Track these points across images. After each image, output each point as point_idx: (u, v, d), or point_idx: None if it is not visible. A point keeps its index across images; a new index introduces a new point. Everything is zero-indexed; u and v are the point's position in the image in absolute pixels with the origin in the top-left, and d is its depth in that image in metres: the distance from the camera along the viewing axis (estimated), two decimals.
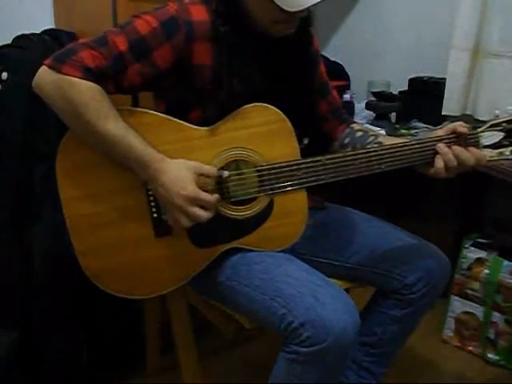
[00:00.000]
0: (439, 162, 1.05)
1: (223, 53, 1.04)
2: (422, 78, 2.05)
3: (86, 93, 0.95)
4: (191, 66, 1.04)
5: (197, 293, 1.21)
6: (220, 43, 1.04)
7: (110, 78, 0.99)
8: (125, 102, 1.12)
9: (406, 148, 1.07)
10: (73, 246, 1.05)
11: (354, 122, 1.32)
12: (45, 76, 0.97)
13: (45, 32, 1.41)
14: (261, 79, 1.07)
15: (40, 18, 1.58)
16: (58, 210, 1.28)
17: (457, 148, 1.05)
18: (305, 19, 1.08)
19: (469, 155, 1.04)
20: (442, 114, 1.93)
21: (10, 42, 1.38)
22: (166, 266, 1.08)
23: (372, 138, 1.21)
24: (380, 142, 1.17)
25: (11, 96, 1.30)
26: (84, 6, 1.52)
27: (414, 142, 1.08)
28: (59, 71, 0.95)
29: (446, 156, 1.04)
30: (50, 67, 0.96)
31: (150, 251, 1.06)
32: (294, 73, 1.15)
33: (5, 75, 1.30)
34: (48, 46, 1.34)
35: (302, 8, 0.96)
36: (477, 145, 1.07)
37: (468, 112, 1.94)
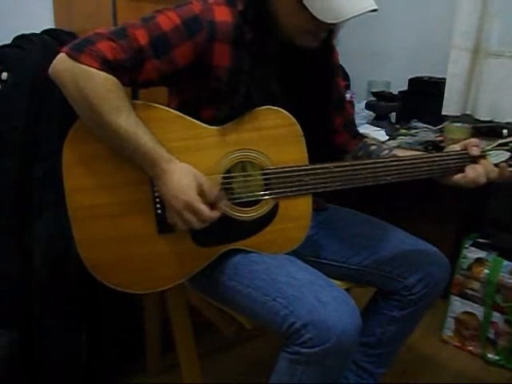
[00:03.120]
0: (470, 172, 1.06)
1: (245, 58, 1.03)
2: (422, 78, 2.05)
3: (102, 84, 0.95)
4: (210, 66, 1.03)
5: (197, 292, 1.21)
6: (242, 48, 1.03)
7: (126, 71, 0.98)
8: None
9: (414, 162, 1.08)
10: (74, 236, 1.04)
11: (366, 137, 1.31)
12: (62, 63, 0.96)
13: (45, 32, 1.41)
14: (279, 89, 1.07)
15: (40, 18, 1.57)
16: (58, 210, 1.29)
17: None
18: (328, 31, 1.08)
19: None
20: (442, 113, 1.93)
21: (10, 41, 1.38)
22: (167, 262, 1.07)
23: (387, 151, 1.21)
24: (395, 155, 1.18)
25: (11, 96, 1.30)
26: (84, 5, 1.52)
27: (423, 157, 1.09)
28: (77, 60, 0.94)
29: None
30: (68, 55, 0.95)
31: (152, 247, 1.06)
32: (312, 84, 1.14)
33: (5, 75, 1.30)
34: (48, 46, 1.34)
35: (338, 21, 0.95)
36: None
37: (468, 112, 1.95)
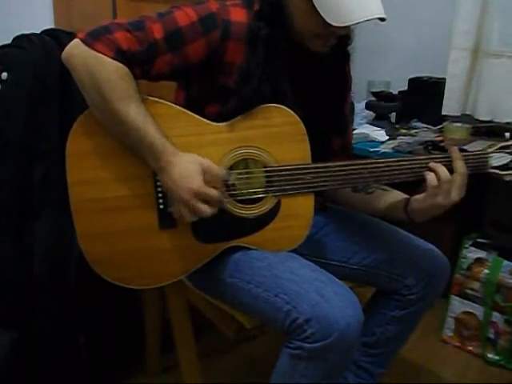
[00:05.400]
0: (429, 174, 1.05)
1: (259, 55, 1.03)
2: (421, 78, 2.05)
3: (114, 72, 0.95)
4: (222, 62, 1.04)
5: (197, 289, 1.21)
6: (256, 45, 1.03)
7: (139, 62, 0.98)
8: None
9: (413, 161, 1.08)
10: (75, 229, 1.05)
11: None
12: (76, 49, 0.97)
13: (45, 32, 1.41)
14: (288, 87, 1.07)
15: (40, 18, 1.57)
16: (58, 210, 1.29)
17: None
18: (343, 38, 1.08)
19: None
20: (442, 113, 1.93)
21: (9, 41, 1.38)
22: (167, 258, 1.08)
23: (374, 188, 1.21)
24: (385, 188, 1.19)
25: (11, 96, 1.30)
26: (84, 5, 1.52)
27: (422, 157, 1.09)
28: (92, 47, 0.95)
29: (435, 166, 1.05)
30: (83, 41, 0.96)
31: (153, 242, 1.06)
32: (321, 88, 1.14)
33: (5, 75, 1.30)
34: (48, 46, 1.34)
35: (344, 25, 0.96)
36: (486, 165, 1.08)
37: (468, 112, 1.95)
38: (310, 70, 1.11)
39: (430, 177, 1.05)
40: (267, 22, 1.03)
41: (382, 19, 0.96)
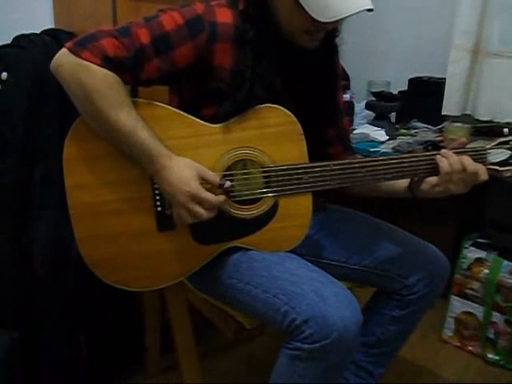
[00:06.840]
0: (443, 161, 1.05)
1: (247, 55, 1.03)
2: (421, 78, 2.05)
3: (102, 80, 0.95)
4: (211, 66, 1.04)
5: (197, 290, 1.21)
6: (244, 46, 1.03)
7: (127, 69, 0.98)
8: None
9: (411, 159, 1.08)
10: (74, 233, 1.05)
11: (357, 154, 1.32)
12: (63, 58, 0.97)
13: (45, 32, 1.41)
14: (281, 85, 1.07)
15: (40, 18, 1.57)
16: (58, 210, 1.29)
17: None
18: (331, 30, 1.08)
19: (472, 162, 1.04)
20: (442, 113, 1.93)
21: (10, 41, 1.38)
22: (166, 260, 1.08)
23: None
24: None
25: (11, 96, 1.30)
26: (84, 6, 1.52)
27: (419, 154, 1.09)
28: (79, 56, 0.95)
29: (447, 154, 1.05)
30: (70, 50, 0.96)
31: (151, 244, 1.07)
32: (313, 83, 1.14)
33: (5, 75, 1.30)
34: (48, 46, 1.34)
35: (333, 20, 0.96)
36: (484, 161, 1.08)
37: (468, 112, 1.94)
38: (300, 65, 1.11)
39: (443, 164, 1.05)
40: (253, 23, 1.03)
41: (370, 10, 0.96)
